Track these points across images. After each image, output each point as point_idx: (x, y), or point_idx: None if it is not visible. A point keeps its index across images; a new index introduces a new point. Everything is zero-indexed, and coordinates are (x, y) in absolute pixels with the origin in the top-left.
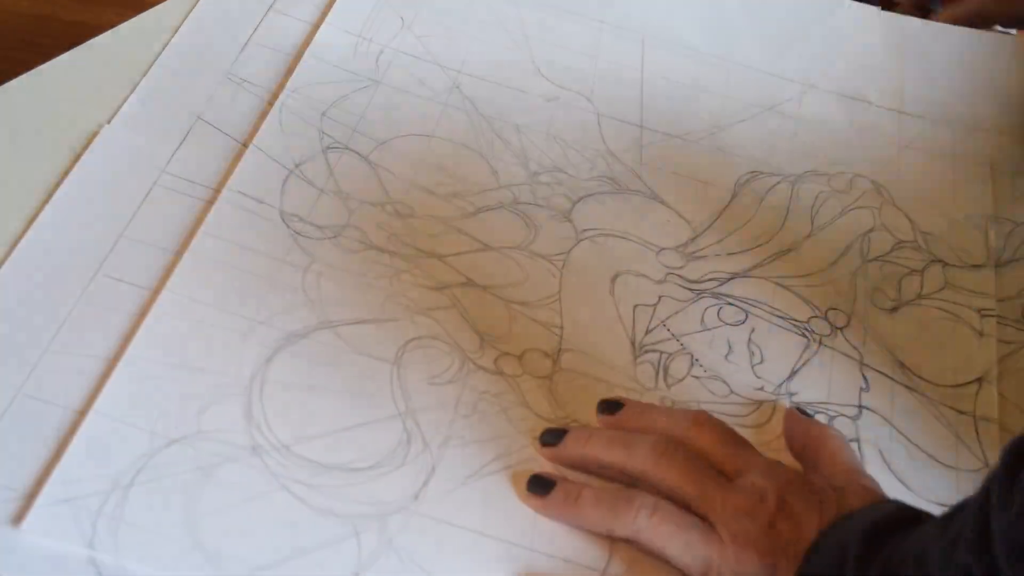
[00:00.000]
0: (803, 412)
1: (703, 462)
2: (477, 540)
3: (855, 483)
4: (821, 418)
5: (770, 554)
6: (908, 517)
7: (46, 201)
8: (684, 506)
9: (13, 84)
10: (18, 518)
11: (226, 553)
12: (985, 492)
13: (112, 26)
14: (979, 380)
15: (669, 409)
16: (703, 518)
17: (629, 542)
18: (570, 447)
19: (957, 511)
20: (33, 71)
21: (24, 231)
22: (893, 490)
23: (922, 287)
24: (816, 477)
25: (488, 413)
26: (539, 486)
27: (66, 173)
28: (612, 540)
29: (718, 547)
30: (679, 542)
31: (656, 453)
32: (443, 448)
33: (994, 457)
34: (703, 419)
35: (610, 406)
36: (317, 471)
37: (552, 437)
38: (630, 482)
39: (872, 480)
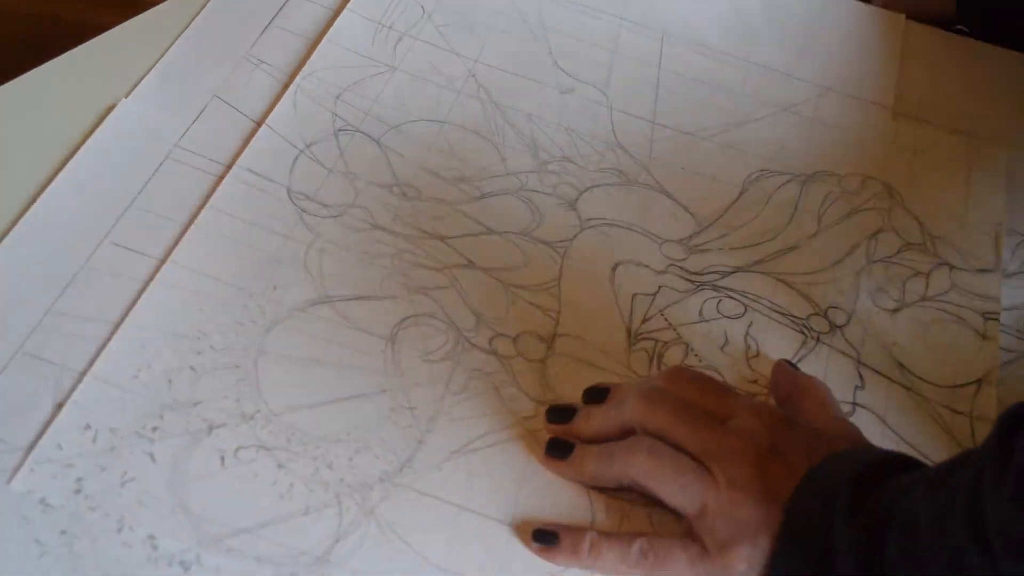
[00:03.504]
0: (791, 365)
1: (693, 405)
2: (458, 514)
3: (841, 429)
4: None
5: (763, 497)
6: (897, 463)
7: (57, 171)
8: (680, 449)
9: (13, 84)
10: (11, 472)
11: (209, 515)
12: (978, 468)
13: (112, 26)
14: (979, 381)
15: (643, 378)
16: (699, 460)
17: (631, 490)
18: (578, 426)
19: (948, 470)
20: (33, 71)
21: (36, 196)
22: None
23: (927, 289)
24: (803, 422)
25: (479, 391)
26: (558, 449)
27: (75, 151)
28: (593, 521)
29: (713, 489)
30: (675, 485)
31: (645, 400)
32: (432, 423)
33: None
34: (680, 371)
35: (596, 394)
36: (305, 440)
37: (560, 416)
38: None
39: (856, 429)
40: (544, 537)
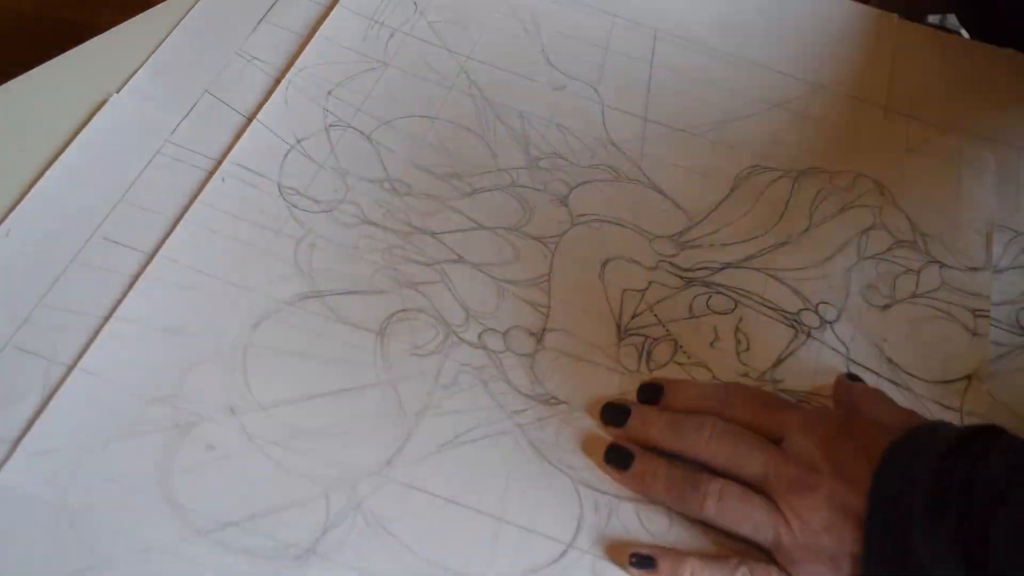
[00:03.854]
0: (852, 377)
1: (749, 434)
2: (445, 507)
3: (899, 419)
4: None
5: (834, 519)
6: (961, 441)
7: (49, 165)
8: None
9: (13, 84)
10: None
11: (196, 508)
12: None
13: (112, 26)
14: (969, 377)
15: (703, 385)
16: (764, 492)
17: None
18: (633, 429)
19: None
20: (33, 70)
21: (27, 190)
22: None
23: (917, 286)
24: (859, 419)
25: (468, 385)
26: (618, 458)
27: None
28: (580, 516)
29: (784, 525)
30: (748, 525)
31: (704, 437)
32: (420, 416)
33: None
34: (735, 389)
35: (649, 391)
36: (292, 434)
37: (614, 416)
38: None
39: (914, 414)
40: (642, 562)
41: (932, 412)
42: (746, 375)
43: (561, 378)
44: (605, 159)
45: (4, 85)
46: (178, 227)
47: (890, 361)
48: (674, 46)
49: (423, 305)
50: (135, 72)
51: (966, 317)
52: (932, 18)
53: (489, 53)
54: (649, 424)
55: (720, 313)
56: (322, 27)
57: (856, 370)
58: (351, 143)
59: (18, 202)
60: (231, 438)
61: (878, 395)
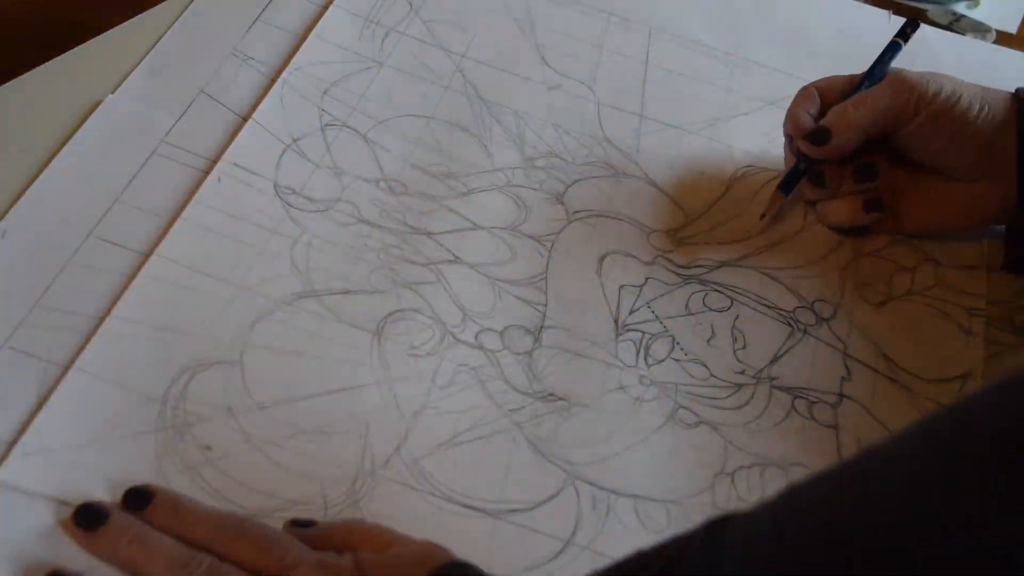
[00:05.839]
0: (297, 523)
1: None
2: (443, 506)
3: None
4: (801, 404)
5: None
6: None
7: (45, 166)
8: None
9: (13, 84)
10: None
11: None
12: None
13: (112, 26)
14: (964, 376)
15: (205, 514)
16: None
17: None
18: (104, 542)
19: None
20: (33, 71)
21: (23, 191)
22: None
23: (913, 283)
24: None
25: (465, 385)
26: (89, 518)
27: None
28: (579, 512)
29: None
30: None
31: (174, 568)
32: (417, 416)
33: None
34: (237, 530)
35: (136, 498)
36: (290, 433)
37: (87, 520)
38: None
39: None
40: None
41: (928, 411)
42: (742, 372)
43: (559, 374)
44: (601, 156)
45: (7, 85)
46: (174, 227)
47: (886, 358)
48: (669, 44)
49: (420, 305)
50: (130, 72)
51: (961, 316)
52: (932, 14)
53: (484, 52)
54: (128, 541)
55: (717, 311)
56: (317, 26)
57: (852, 366)
58: (347, 142)
59: (14, 203)
60: (229, 438)
61: (374, 528)
